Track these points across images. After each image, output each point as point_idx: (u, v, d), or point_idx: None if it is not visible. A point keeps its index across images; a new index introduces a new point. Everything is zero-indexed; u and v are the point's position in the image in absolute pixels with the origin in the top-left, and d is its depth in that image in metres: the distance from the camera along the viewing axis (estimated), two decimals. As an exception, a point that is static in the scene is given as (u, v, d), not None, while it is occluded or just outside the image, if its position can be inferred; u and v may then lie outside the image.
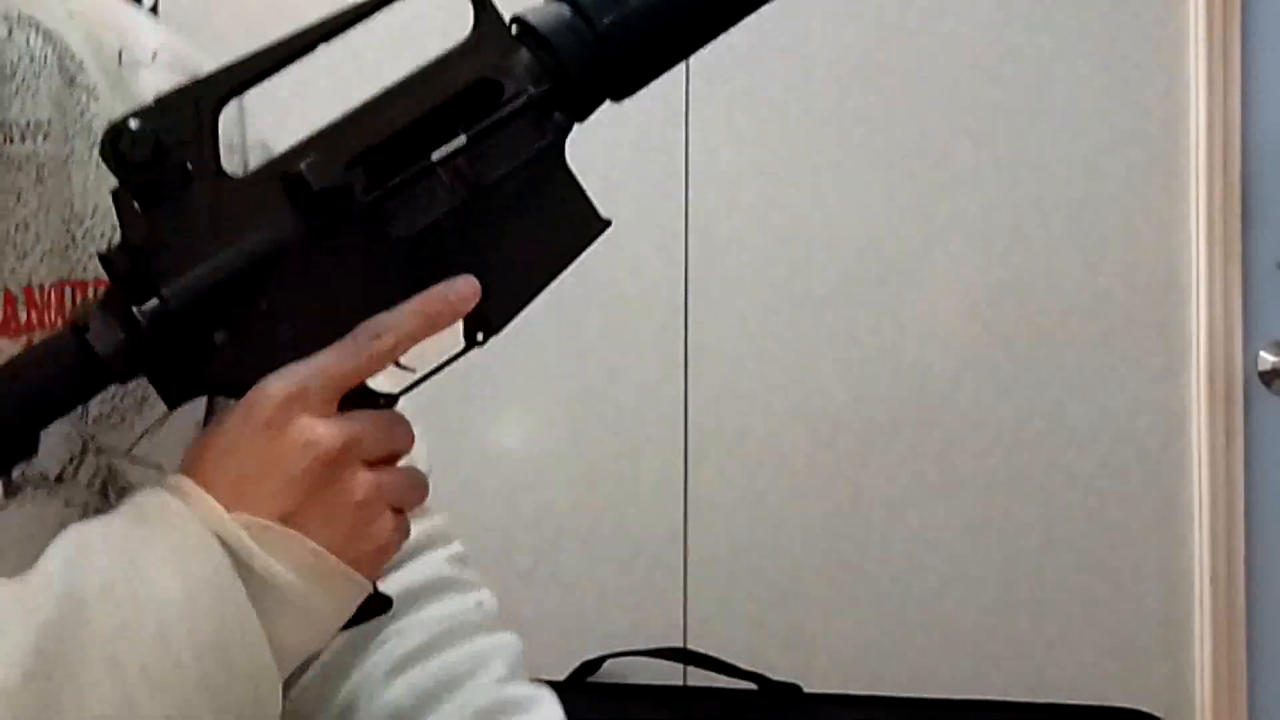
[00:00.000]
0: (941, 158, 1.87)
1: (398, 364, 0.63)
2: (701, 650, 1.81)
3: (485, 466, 1.82)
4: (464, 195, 0.62)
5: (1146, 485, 1.88)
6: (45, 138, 0.63)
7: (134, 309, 0.57)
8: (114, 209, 0.58)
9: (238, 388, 0.59)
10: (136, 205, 0.58)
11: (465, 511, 1.93)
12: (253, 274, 0.59)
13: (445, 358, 0.64)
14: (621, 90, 0.67)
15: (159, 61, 0.71)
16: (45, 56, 0.63)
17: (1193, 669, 1.88)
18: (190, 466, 0.58)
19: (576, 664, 1.80)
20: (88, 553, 0.54)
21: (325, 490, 0.57)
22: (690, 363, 1.86)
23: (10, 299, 0.60)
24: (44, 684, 0.51)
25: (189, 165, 0.58)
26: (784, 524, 1.86)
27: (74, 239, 0.64)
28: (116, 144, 0.56)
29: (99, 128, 0.65)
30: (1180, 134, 1.90)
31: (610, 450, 1.82)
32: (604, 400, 1.83)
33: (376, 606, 0.62)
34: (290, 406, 0.57)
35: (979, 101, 1.86)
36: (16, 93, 0.62)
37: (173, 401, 0.59)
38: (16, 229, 0.61)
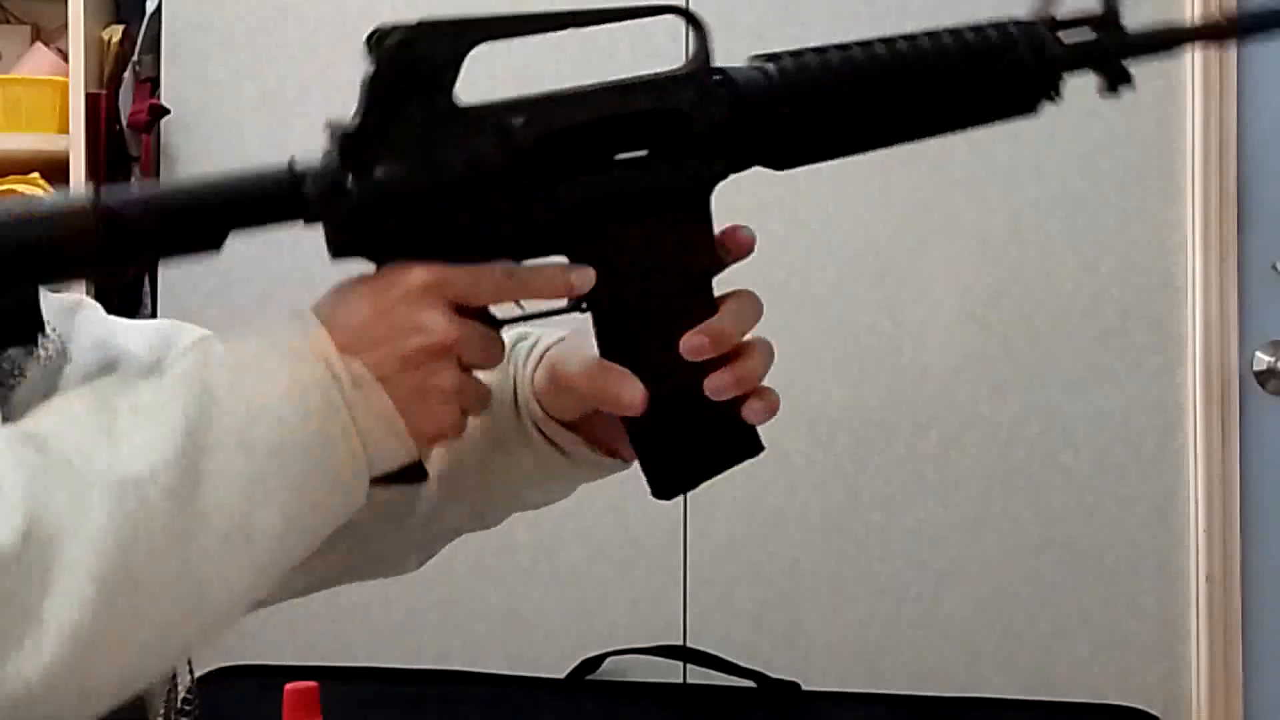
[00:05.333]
0: (938, 159, 1.88)
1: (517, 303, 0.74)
2: (701, 648, 1.82)
3: (486, 466, 1.83)
4: (625, 197, 0.73)
5: (1143, 484, 1.89)
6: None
7: (348, 182, 0.69)
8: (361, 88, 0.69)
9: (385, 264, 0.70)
10: (378, 93, 0.69)
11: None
12: (443, 190, 0.70)
13: (548, 309, 0.75)
14: (782, 162, 0.78)
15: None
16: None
17: (1189, 667, 1.89)
18: (321, 306, 0.69)
19: (577, 662, 1.81)
20: (215, 357, 0.66)
21: (421, 371, 0.67)
22: (690, 363, 1.87)
23: None
24: (192, 462, 0.62)
25: (434, 82, 0.69)
26: (783, 522, 1.87)
27: None
28: (375, 37, 0.69)
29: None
30: (1176, 135, 1.91)
31: (610, 450, 1.83)
32: (604, 400, 1.84)
33: (416, 475, 0.71)
34: (425, 292, 0.68)
35: (976, 104, 1.87)
36: None
37: (335, 253, 0.70)
38: None
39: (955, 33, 0.80)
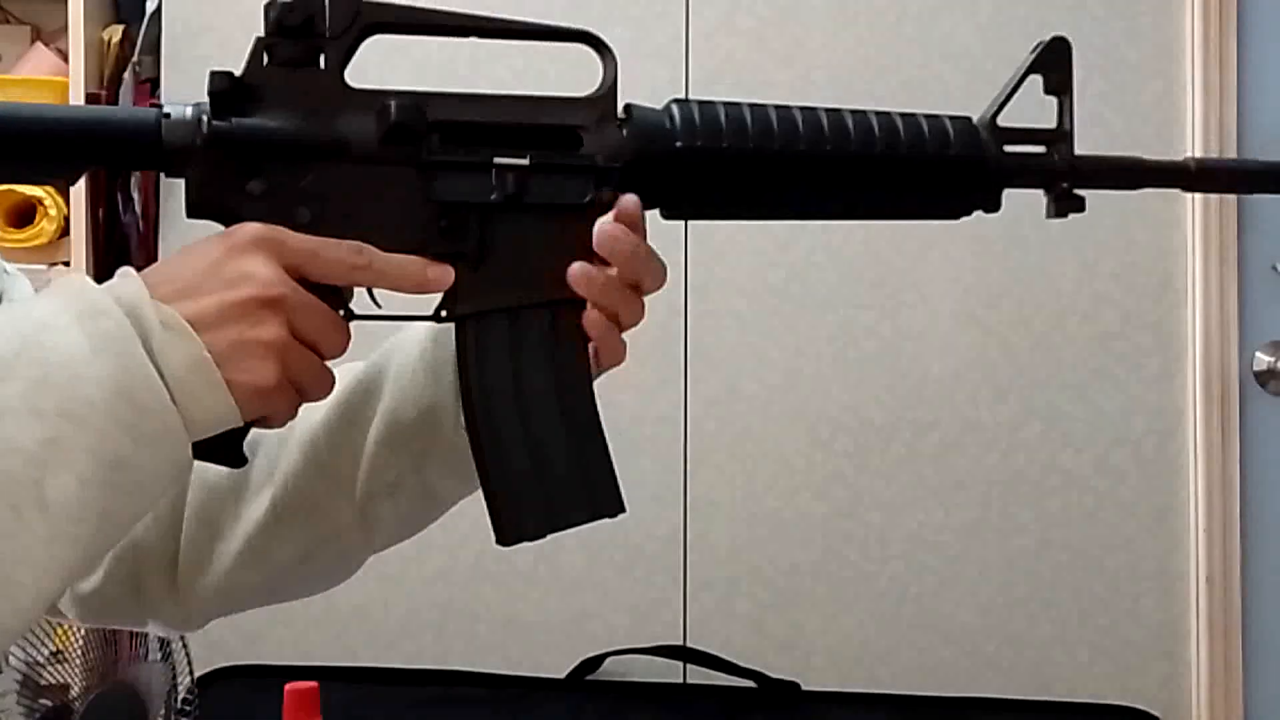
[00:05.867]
0: (939, 160, 1.87)
1: (373, 299, 0.72)
2: (701, 648, 1.82)
3: (486, 466, 1.83)
4: (499, 199, 0.70)
5: (1143, 486, 1.89)
6: None
7: (203, 117, 0.67)
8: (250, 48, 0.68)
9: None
10: (266, 57, 0.68)
11: (466, 511, 1.94)
12: (311, 152, 0.68)
13: (407, 315, 0.73)
14: (672, 210, 0.75)
15: None
16: None
17: (1189, 668, 1.89)
18: (156, 264, 0.68)
19: (577, 662, 1.81)
20: (6, 322, 0.63)
21: (241, 323, 0.64)
22: (690, 364, 1.87)
23: None
24: None
25: (323, 56, 0.69)
26: (783, 524, 1.87)
27: None
28: (273, 4, 0.67)
29: None
30: (1177, 137, 1.91)
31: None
32: (603, 402, 1.83)
33: (231, 456, 0.68)
34: (257, 245, 0.65)
35: (976, 105, 1.87)
36: None
37: (191, 212, 0.68)
38: None
39: (884, 116, 0.77)
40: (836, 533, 1.88)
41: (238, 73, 0.68)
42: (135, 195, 1.87)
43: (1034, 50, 0.79)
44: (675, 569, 1.87)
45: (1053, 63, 0.78)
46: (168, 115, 0.67)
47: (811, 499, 1.88)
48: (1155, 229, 1.90)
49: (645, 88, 1.81)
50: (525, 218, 0.71)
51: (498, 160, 0.70)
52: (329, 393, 0.69)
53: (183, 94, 1.85)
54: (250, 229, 0.66)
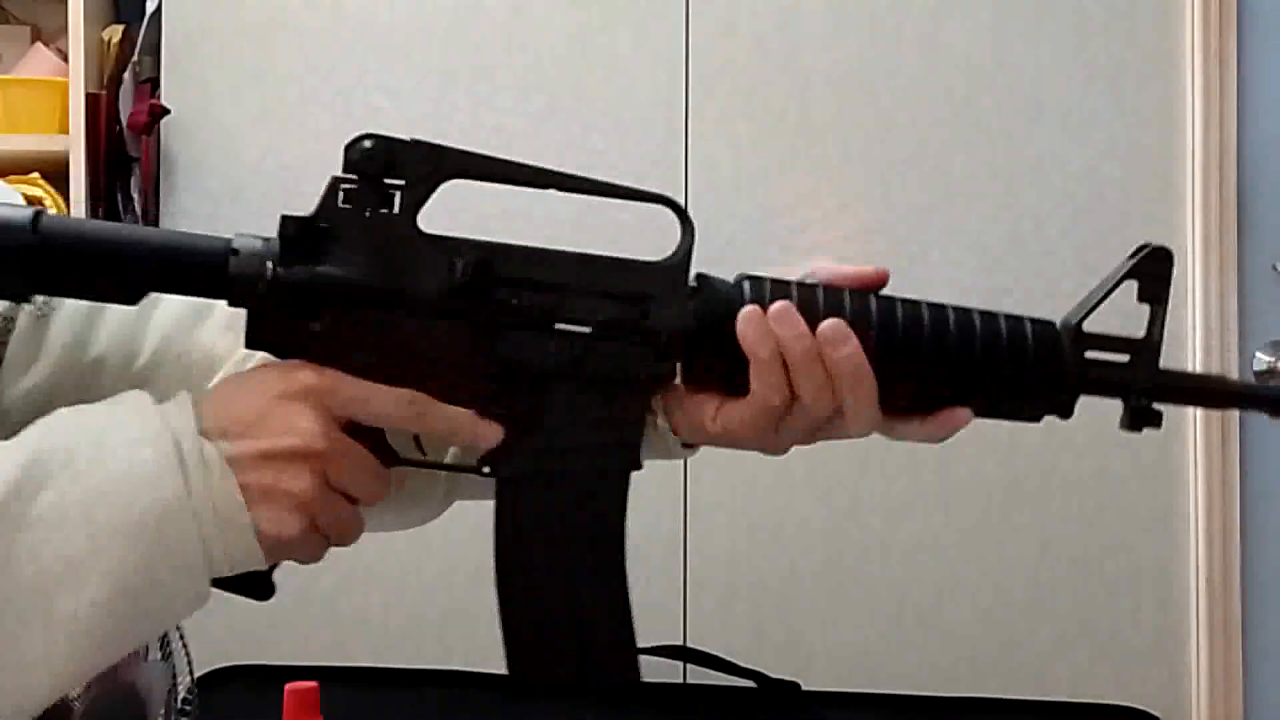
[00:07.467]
0: (939, 165, 1.88)
1: (419, 447, 0.72)
2: (701, 648, 1.82)
3: (486, 467, 1.83)
4: (556, 366, 0.69)
5: (1143, 488, 1.89)
6: None
7: (269, 263, 0.66)
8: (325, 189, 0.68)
9: None
10: (341, 196, 0.67)
11: (467, 513, 1.94)
12: (375, 300, 0.67)
13: (450, 464, 0.75)
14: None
15: None
16: None
17: (1189, 672, 1.89)
18: (215, 386, 0.69)
19: (576, 663, 1.81)
20: (60, 427, 0.64)
21: (274, 469, 0.65)
22: (690, 365, 1.87)
23: None
24: (4, 538, 0.60)
25: (399, 198, 0.68)
26: (783, 525, 1.87)
27: None
28: (355, 146, 0.67)
29: None
30: (1177, 140, 1.91)
31: (610, 451, 1.83)
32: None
33: (259, 590, 0.69)
34: (308, 394, 0.66)
35: (976, 109, 1.87)
36: None
37: (251, 344, 0.68)
38: None
39: (961, 312, 0.75)
40: (836, 535, 1.88)
41: (309, 214, 0.67)
42: (135, 195, 1.87)
43: (1133, 255, 0.78)
44: (675, 570, 1.87)
45: (1151, 271, 0.78)
46: (236, 251, 0.67)
47: (812, 501, 1.88)
48: (1155, 229, 1.89)
49: (645, 91, 1.81)
50: (581, 387, 0.70)
51: (559, 326, 0.69)
52: (356, 539, 0.70)
53: (182, 94, 1.86)
54: (305, 377, 0.66)
